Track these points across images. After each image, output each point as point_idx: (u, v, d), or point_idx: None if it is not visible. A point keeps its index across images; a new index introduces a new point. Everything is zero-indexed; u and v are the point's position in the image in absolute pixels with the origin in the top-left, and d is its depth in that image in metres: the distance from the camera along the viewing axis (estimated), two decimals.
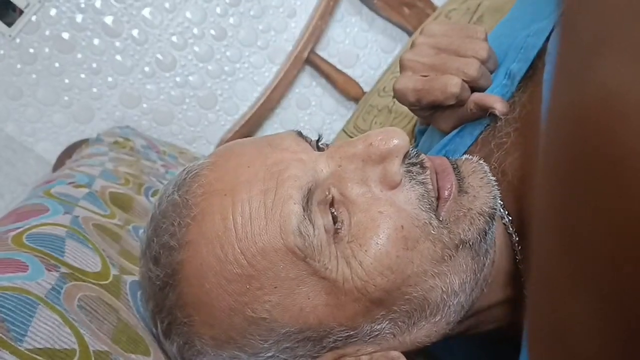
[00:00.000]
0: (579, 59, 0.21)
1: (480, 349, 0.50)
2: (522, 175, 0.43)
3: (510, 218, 0.43)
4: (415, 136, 0.73)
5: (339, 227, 0.35)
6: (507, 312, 0.43)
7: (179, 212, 0.35)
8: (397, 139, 0.36)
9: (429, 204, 0.36)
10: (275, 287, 0.34)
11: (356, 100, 1.39)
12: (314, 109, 1.44)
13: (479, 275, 0.38)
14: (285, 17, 1.38)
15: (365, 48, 1.44)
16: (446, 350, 0.51)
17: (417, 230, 0.35)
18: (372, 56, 1.44)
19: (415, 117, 0.87)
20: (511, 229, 0.42)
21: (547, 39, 0.48)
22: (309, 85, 1.42)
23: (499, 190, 0.39)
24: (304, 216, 0.33)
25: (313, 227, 0.33)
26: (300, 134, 0.39)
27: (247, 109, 1.39)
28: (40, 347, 0.30)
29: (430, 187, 0.37)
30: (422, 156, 0.39)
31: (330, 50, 1.41)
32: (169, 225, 0.36)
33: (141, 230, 0.59)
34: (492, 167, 0.45)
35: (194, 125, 1.39)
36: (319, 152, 0.37)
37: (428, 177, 0.37)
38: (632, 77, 0.18)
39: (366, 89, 1.38)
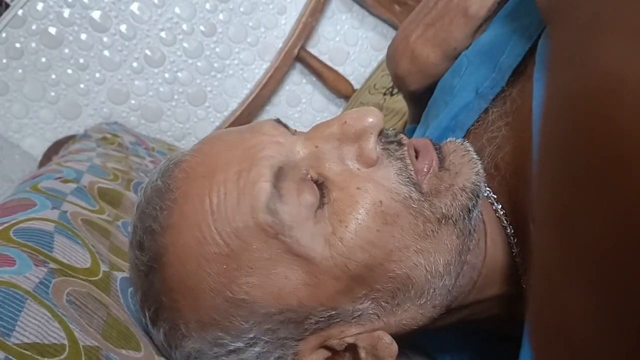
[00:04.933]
0: (575, 43, 0.21)
1: (473, 345, 0.50)
2: (514, 169, 0.43)
3: (504, 211, 0.43)
4: (406, 134, 0.73)
5: (318, 204, 0.35)
6: (503, 307, 0.43)
7: (161, 196, 0.36)
8: (372, 117, 0.36)
9: (408, 178, 0.36)
10: (251, 268, 0.33)
11: (346, 97, 1.39)
12: (304, 106, 1.44)
13: (463, 257, 0.38)
14: (276, 14, 1.38)
15: (355, 45, 1.44)
16: (438, 347, 0.51)
17: (397, 204, 0.35)
18: (362, 53, 1.44)
19: (406, 115, 0.87)
20: (505, 222, 0.42)
21: (540, 35, 0.48)
22: (299, 83, 1.42)
23: (482, 165, 0.39)
24: (272, 193, 0.33)
25: (282, 203, 0.33)
26: (279, 121, 0.39)
27: (237, 106, 1.38)
28: (29, 342, 0.29)
29: (408, 161, 0.37)
30: (400, 135, 0.39)
31: (321, 47, 1.41)
32: (152, 210, 0.36)
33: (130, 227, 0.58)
34: (485, 161, 0.45)
35: (183, 122, 1.38)
36: (297, 136, 0.38)
37: (405, 152, 0.38)
38: (629, 61, 0.18)
39: (356, 86, 1.38)
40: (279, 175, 0.34)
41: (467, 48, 0.54)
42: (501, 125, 0.46)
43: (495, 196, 0.43)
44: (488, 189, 0.44)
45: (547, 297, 0.23)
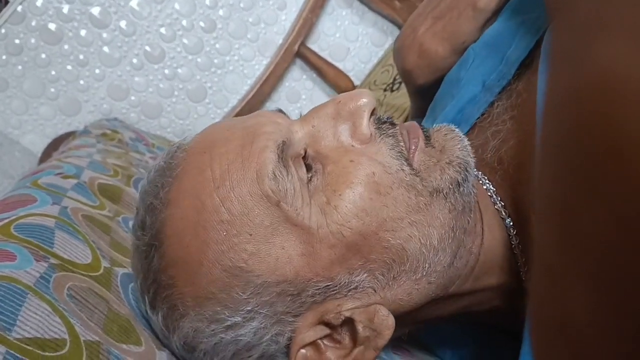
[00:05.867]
0: (576, 40, 0.21)
1: (474, 338, 0.51)
2: (517, 162, 0.43)
3: (503, 203, 0.43)
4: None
5: (312, 175, 0.36)
6: (503, 299, 0.43)
7: (163, 174, 0.37)
8: (365, 97, 0.38)
9: (400, 152, 0.38)
10: (251, 235, 0.34)
11: None
12: (304, 102, 1.44)
13: (459, 235, 0.38)
14: (276, 10, 1.38)
15: (356, 41, 1.43)
16: (439, 341, 0.51)
17: (390, 177, 0.37)
18: (362, 49, 1.44)
19: (407, 111, 0.87)
20: (505, 214, 0.43)
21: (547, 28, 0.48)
22: (299, 79, 1.42)
23: (469, 142, 0.41)
24: (278, 162, 0.35)
25: (287, 172, 0.35)
26: (280, 110, 0.41)
27: (237, 102, 1.38)
28: (30, 336, 0.29)
29: (399, 138, 0.39)
30: (392, 117, 0.41)
31: (321, 43, 1.41)
32: (153, 188, 0.37)
33: (131, 222, 0.58)
34: (489, 155, 0.45)
35: (183, 118, 1.38)
36: (294, 120, 0.40)
37: (397, 130, 0.39)
38: (630, 59, 0.17)
39: (357, 82, 1.38)
40: (282, 148, 0.36)
41: (475, 41, 0.54)
42: (506, 118, 0.46)
43: (495, 189, 0.44)
44: (488, 182, 0.44)
45: (547, 293, 0.23)
